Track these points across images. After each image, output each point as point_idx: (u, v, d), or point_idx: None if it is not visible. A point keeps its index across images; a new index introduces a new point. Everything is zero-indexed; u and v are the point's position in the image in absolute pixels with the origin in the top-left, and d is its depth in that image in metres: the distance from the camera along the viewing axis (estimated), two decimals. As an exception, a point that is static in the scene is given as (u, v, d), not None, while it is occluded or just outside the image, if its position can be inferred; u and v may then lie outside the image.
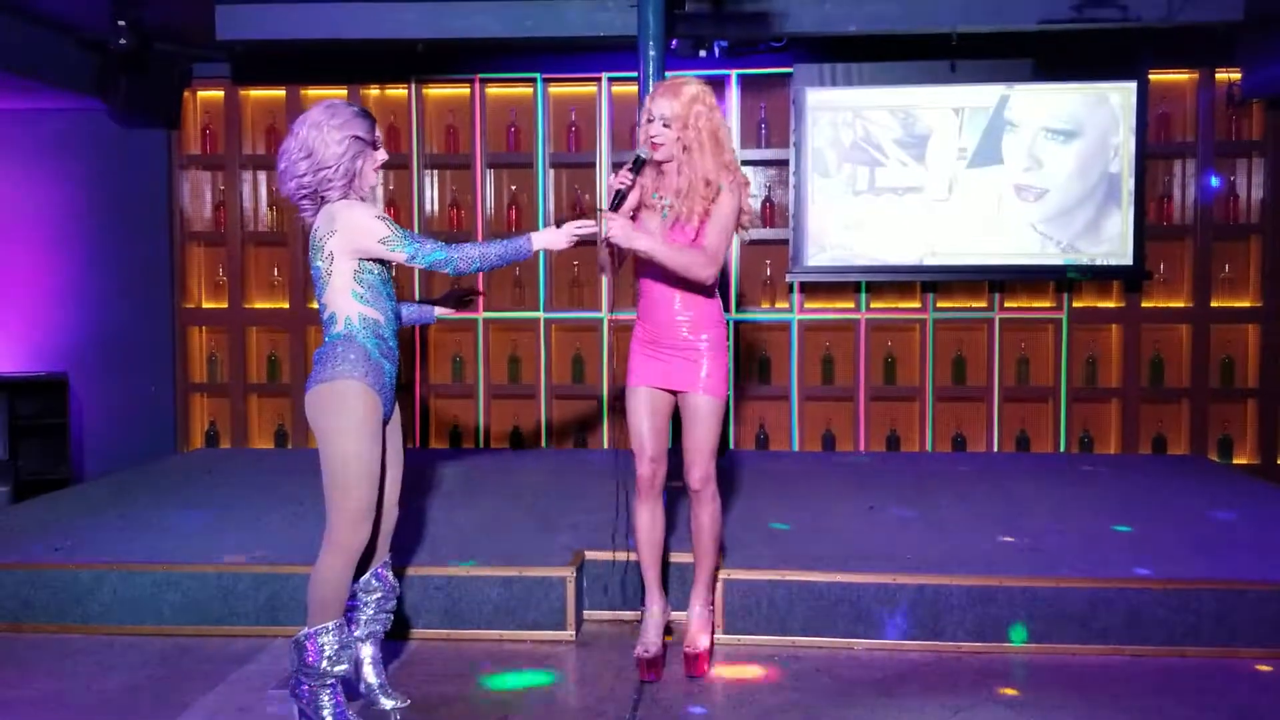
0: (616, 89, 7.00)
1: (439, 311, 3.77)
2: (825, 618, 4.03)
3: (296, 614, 4.11)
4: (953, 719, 3.39)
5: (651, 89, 3.73)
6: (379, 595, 3.48)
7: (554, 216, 7.06)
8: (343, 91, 7.16)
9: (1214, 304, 6.87)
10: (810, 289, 7.02)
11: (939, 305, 6.98)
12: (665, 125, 3.53)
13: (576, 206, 7.11)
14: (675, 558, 4.21)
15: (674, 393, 3.75)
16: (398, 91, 7.19)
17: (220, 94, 7.25)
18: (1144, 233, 6.68)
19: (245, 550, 4.40)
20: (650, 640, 3.76)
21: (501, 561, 4.21)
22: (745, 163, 7.02)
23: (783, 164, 6.98)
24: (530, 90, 7.09)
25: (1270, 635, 3.90)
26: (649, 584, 3.86)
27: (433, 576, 4.13)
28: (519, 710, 3.47)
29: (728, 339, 3.77)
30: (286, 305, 7.28)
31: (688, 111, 3.51)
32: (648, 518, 3.80)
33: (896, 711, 3.45)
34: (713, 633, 3.90)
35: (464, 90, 7.14)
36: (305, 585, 4.08)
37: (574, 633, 4.11)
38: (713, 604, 3.92)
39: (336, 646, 3.19)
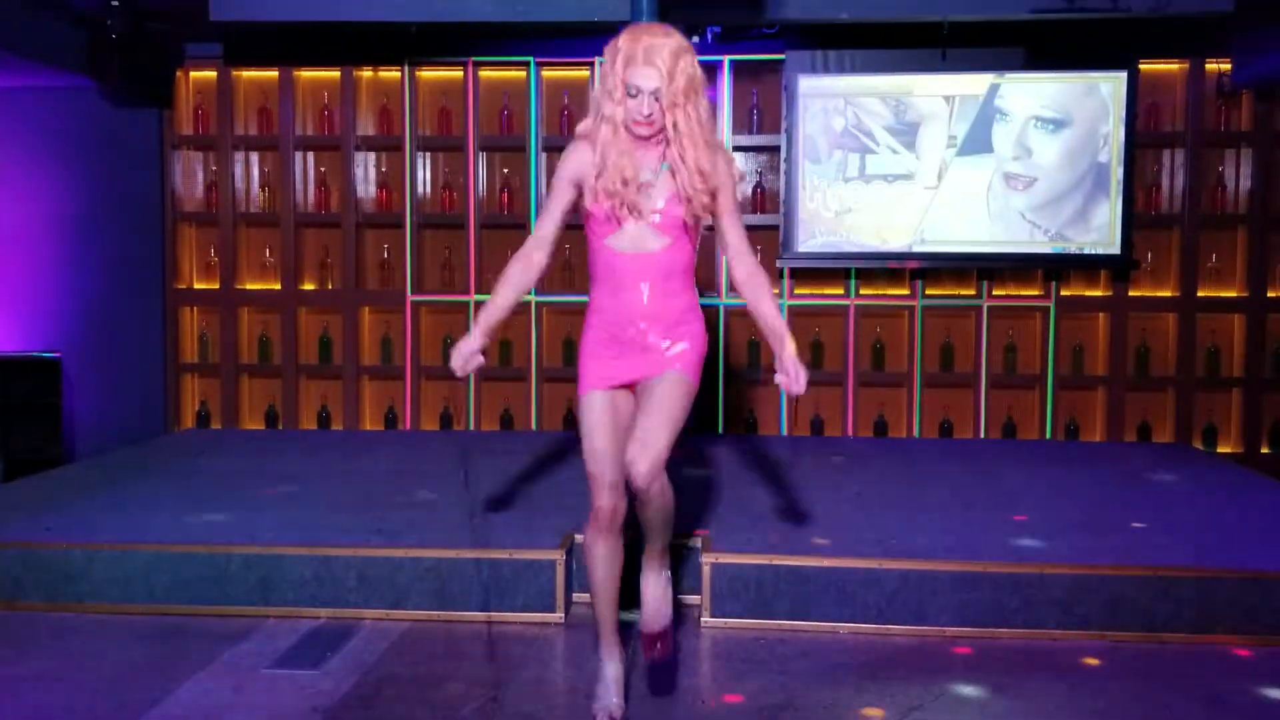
0: (609, 73, 6.99)
1: None
2: (811, 601, 4.08)
3: (288, 594, 4.16)
4: (935, 702, 3.44)
5: (626, 51, 3.02)
6: None
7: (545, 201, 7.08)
8: (335, 73, 7.16)
9: (1200, 294, 6.92)
10: (800, 275, 7.05)
11: (928, 292, 7.02)
12: (658, 99, 3.00)
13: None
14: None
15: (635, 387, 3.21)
16: (391, 73, 7.18)
17: (213, 74, 7.24)
18: (1132, 222, 6.73)
19: (237, 531, 4.43)
20: (612, 703, 3.23)
21: (491, 544, 4.25)
22: (736, 148, 7.05)
23: (774, 150, 7.00)
24: (524, 73, 7.09)
25: (1250, 622, 3.96)
26: (604, 633, 3.27)
27: (423, 558, 4.17)
28: (509, 691, 3.51)
29: (706, 333, 3.28)
30: (278, 286, 7.28)
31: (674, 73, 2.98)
32: (605, 554, 3.19)
33: (879, 694, 3.50)
34: (674, 608, 3.42)
35: (457, 73, 7.14)
36: (296, 565, 4.12)
37: (563, 615, 4.15)
38: (669, 569, 3.39)
39: None
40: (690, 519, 4.61)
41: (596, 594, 3.25)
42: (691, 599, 4.25)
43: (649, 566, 3.32)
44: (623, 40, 3.03)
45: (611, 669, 3.28)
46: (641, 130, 3.04)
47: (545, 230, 3.25)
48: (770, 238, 7.02)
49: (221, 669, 3.66)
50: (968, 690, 3.54)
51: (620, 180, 3.05)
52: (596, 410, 3.16)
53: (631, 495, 3.14)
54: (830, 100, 6.78)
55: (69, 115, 7.19)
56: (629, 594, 3.42)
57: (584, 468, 3.18)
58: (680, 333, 3.17)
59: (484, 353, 3.22)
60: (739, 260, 3.23)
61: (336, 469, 5.76)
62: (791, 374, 3.07)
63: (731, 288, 3.35)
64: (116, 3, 6.20)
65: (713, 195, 3.12)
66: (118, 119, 7.17)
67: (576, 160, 3.15)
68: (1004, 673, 3.68)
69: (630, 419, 3.16)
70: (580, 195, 3.18)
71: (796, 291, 7.06)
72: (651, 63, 2.96)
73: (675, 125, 3.02)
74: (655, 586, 3.31)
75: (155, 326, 7.29)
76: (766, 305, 3.19)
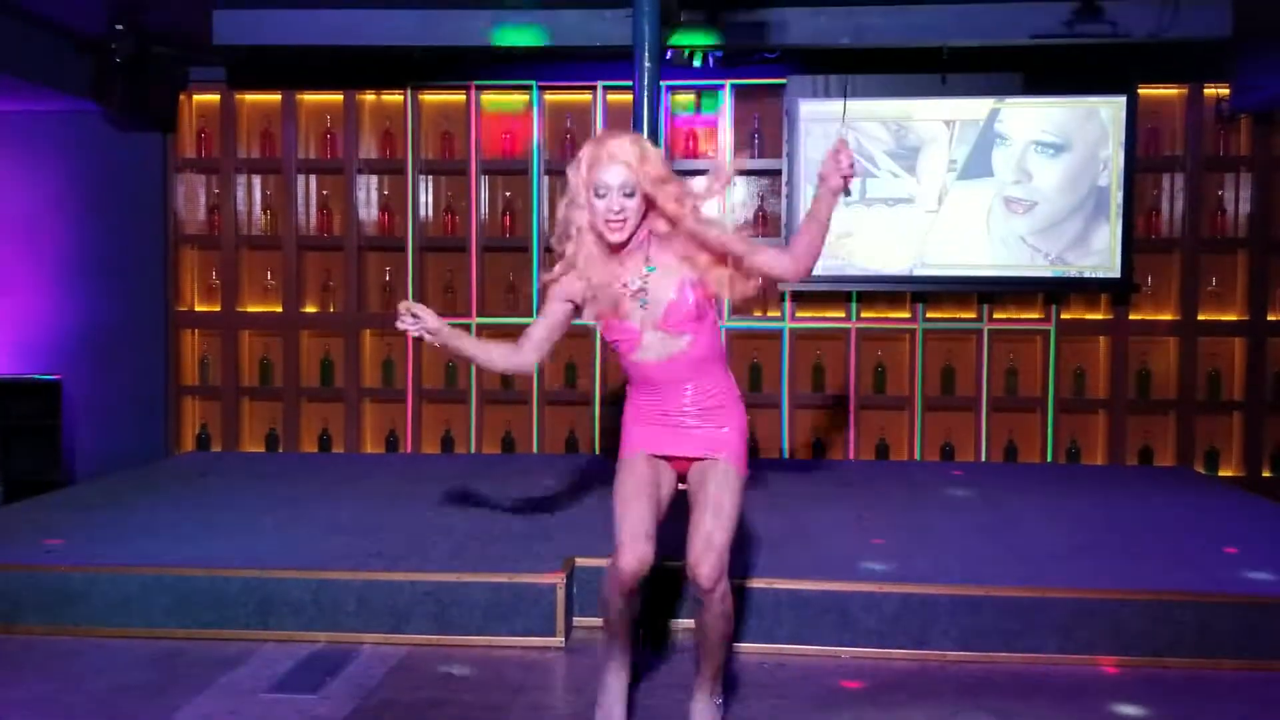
0: (612, 97, 7.04)
1: None
2: (812, 626, 4.06)
3: (287, 618, 4.14)
4: (937, 727, 3.42)
5: (589, 155, 3.05)
6: None
7: (547, 224, 7.12)
8: (338, 97, 7.20)
9: (1201, 317, 6.93)
10: (801, 298, 7.06)
11: (929, 315, 7.03)
12: (628, 195, 2.99)
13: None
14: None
15: (683, 464, 3.22)
16: (394, 97, 7.22)
17: (216, 98, 7.28)
18: (1132, 246, 6.74)
19: (236, 555, 4.42)
20: (615, 714, 3.25)
21: (491, 567, 4.24)
22: (738, 172, 7.05)
23: (775, 174, 7.02)
24: (526, 97, 7.13)
25: (1251, 646, 3.94)
26: (615, 653, 3.27)
27: (422, 582, 4.15)
28: (508, 717, 3.49)
29: (746, 416, 3.30)
30: (279, 309, 7.30)
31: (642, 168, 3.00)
32: (622, 608, 3.14)
33: (880, 719, 3.48)
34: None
35: (460, 97, 7.17)
36: (295, 589, 4.09)
37: (563, 639, 4.13)
38: (721, 697, 3.32)
39: None
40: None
41: (612, 631, 3.21)
42: (690, 623, 4.22)
43: (700, 691, 3.23)
44: (585, 149, 3.07)
45: (617, 683, 3.28)
46: (614, 234, 3.02)
47: (536, 333, 3.27)
48: (771, 261, 7.03)
49: (219, 693, 3.65)
50: (970, 715, 3.52)
51: (612, 305, 3.07)
52: (638, 466, 3.17)
53: (696, 600, 3.12)
54: (831, 124, 6.80)
55: (72, 138, 7.22)
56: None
57: (613, 514, 3.15)
58: (721, 417, 3.19)
59: (431, 334, 3.22)
60: (777, 260, 3.16)
61: (336, 492, 5.75)
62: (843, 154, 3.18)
63: (783, 275, 3.21)
64: (121, 27, 6.24)
65: (721, 258, 3.08)
66: (121, 142, 7.21)
67: (567, 286, 3.18)
68: (1005, 697, 3.66)
69: (670, 483, 3.21)
70: (578, 311, 3.21)
71: (798, 314, 7.07)
72: (616, 159, 2.98)
73: (657, 203, 3.00)
74: (704, 715, 3.22)
75: (156, 349, 7.30)
76: (806, 225, 3.23)
